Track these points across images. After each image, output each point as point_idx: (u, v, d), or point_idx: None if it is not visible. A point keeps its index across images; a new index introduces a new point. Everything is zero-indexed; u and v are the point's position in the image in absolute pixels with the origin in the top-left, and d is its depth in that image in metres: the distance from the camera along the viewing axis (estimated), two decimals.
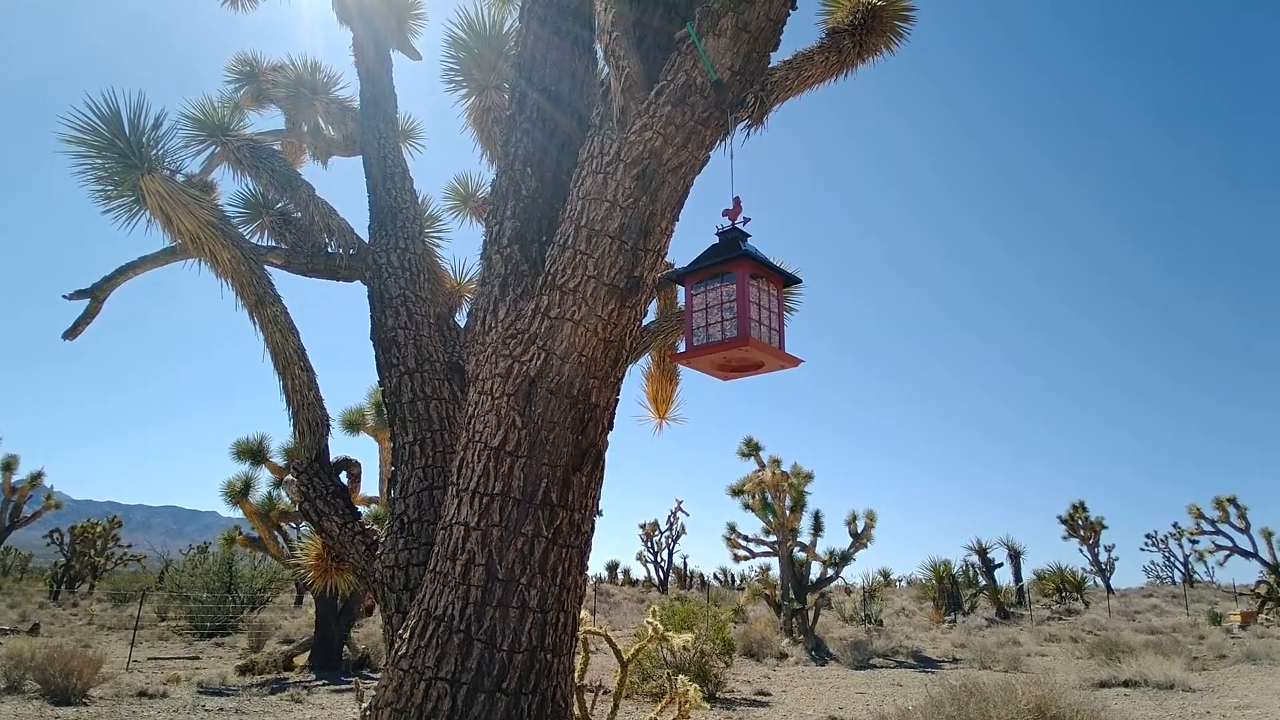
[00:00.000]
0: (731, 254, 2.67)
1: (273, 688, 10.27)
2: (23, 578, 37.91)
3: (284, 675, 11.66)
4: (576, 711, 3.78)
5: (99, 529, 35.47)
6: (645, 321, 4.63)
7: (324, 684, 10.84)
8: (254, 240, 4.55)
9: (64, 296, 5.29)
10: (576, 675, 4.02)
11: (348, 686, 8.72)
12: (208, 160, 5.04)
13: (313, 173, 6.01)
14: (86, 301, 5.29)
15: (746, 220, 2.79)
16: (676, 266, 2.94)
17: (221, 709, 8.38)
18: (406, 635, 2.69)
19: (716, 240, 2.79)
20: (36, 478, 18.34)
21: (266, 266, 4.19)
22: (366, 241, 4.18)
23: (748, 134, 3.05)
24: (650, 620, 3.86)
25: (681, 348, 2.94)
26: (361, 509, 13.61)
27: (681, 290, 3.02)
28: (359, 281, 4.33)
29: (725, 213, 2.79)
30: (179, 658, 13.91)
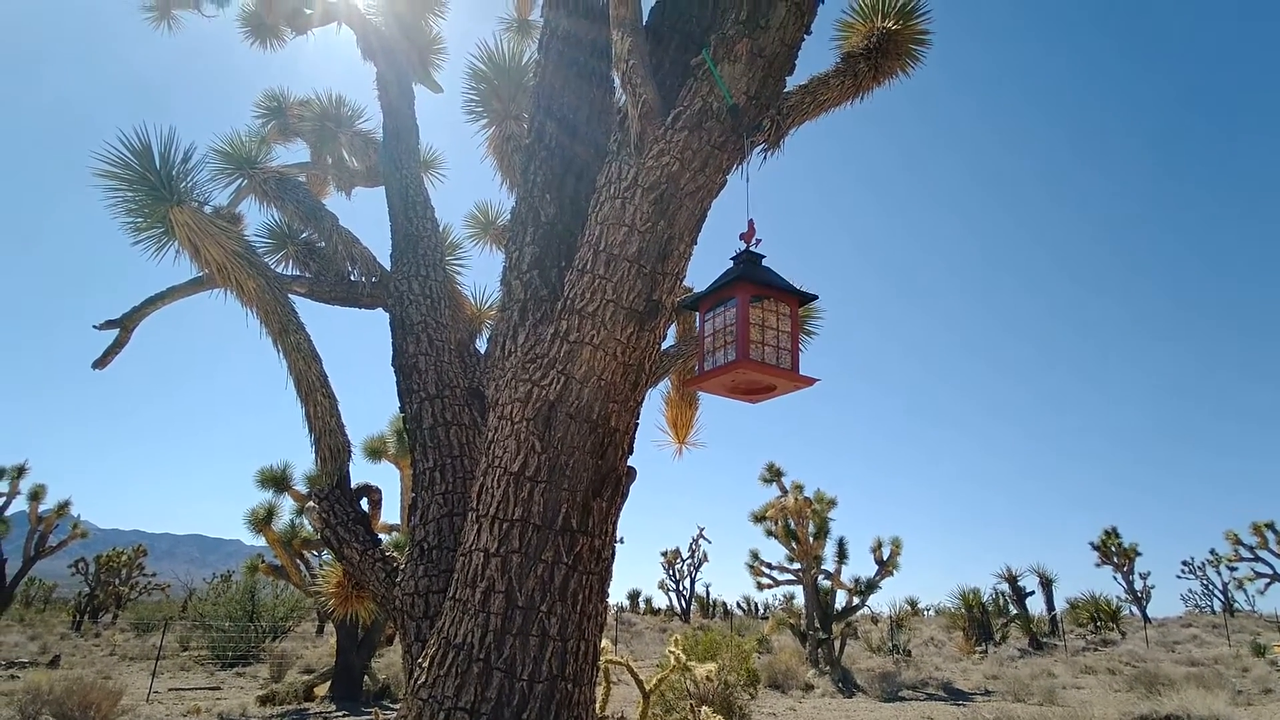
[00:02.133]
0: (732, 277, 2.68)
1: (293, 718, 10.21)
2: (45, 608, 38.29)
3: (305, 706, 11.61)
4: None
5: (124, 558, 35.83)
6: (664, 345, 4.63)
7: (344, 714, 10.77)
8: (279, 269, 4.63)
9: (94, 327, 5.40)
10: (598, 706, 3.96)
11: (368, 716, 8.65)
12: (235, 193, 5.16)
13: (336, 203, 6.12)
14: (116, 331, 5.41)
15: (758, 242, 2.78)
16: (695, 290, 2.94)
17: None
18: (426, 664, 2.66)
19: (731, 264, 2.79)
20: (64, 507, 18.57)
21: (290, 295, 4.26)
22: (388, 269, 4.24)
23: (764, 158, 3.06)
24: (673, 650, 3.79)
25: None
26: (383, 536, 13.62)
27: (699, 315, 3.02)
28: (381, 309, 4.38)
29: (740, 236, 2.79)
30: (200, 688, 13.91)
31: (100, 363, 5.42)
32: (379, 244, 4.85)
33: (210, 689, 13.85)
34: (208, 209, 4.36)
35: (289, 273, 4.62)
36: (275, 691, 12.12)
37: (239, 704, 11.35)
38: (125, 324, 5.41)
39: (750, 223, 2.83)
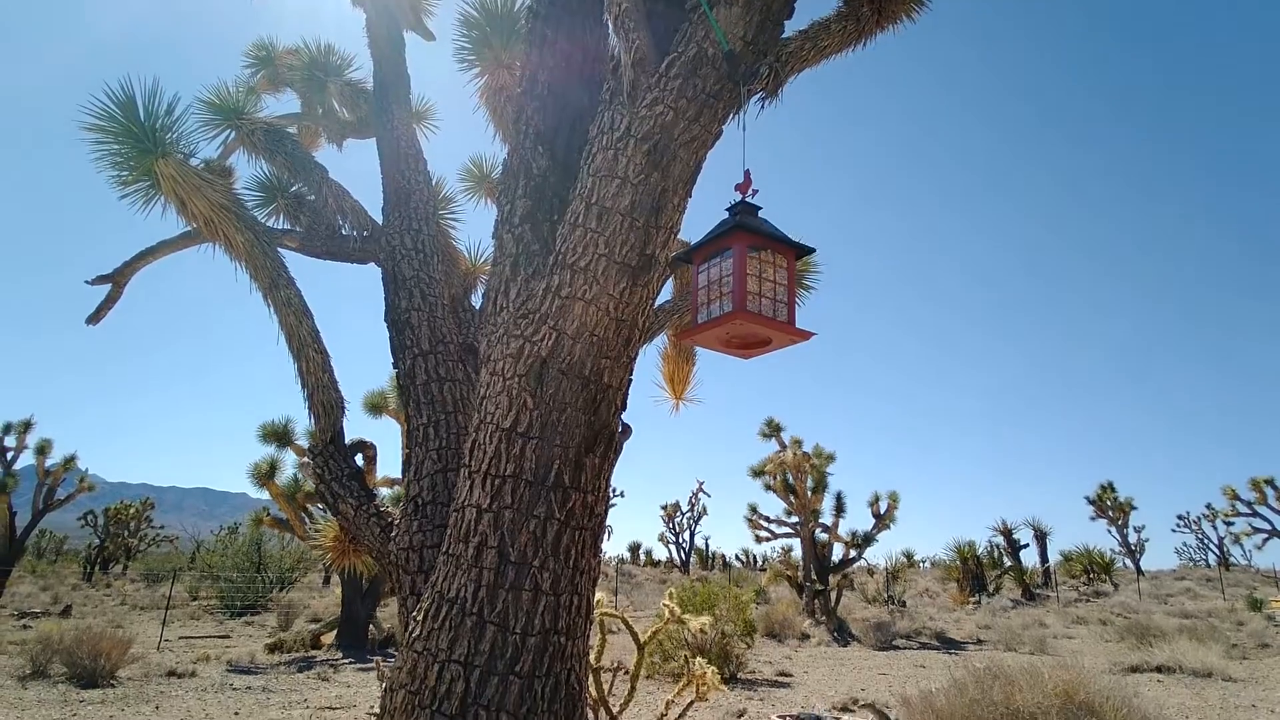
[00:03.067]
0: (728, 227, 2.61)
1: (300, 666, 10.46)
2: (57, 560, 39.03)
3: (312, 654, 11.88)
4: (593, 692, 3.78)
5: (132, 510, 36.39)
6: (660, 301, 4.58)
7: (350, 662, 11.04)
8: (269, 223, 4.56)
9: (86, 282, 5.36)
10: (593, 657, 4.02)
11: (373, 665, 8.86)
12: (224, 145, 5.05)
13: (328, 156, 5.99)
14: (109, 287, 5.36)
15: (755, 193, 2.71)
16: (693, 244, 2.87)
17: (249, 687, 8.55)
18: (420, 617, 2.68)
19: (726, 215, 2.72)
20: (70, 461, 18.75)
21: (281, 249, 4.20)
22: (380, 223, 4.17)
23: (761, 107, 2.97)
24: (667, 604, 3.84)
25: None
26: (384, 490, 13.78)
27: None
28: (373, 264, 4.32)
29: (736, 187, 2.72)
30: (210, 636, 14.24)
31: (93, 318, 5.39)
32: (371, 198, 4.77)
33: (219, 637, 14.18)
34: (196, 162, 4.27)
35: (280, 226, 4.54)
36: (283, 640, 12.40)
37: (248, 652, 11.63)
38: (117, 279, 5.36)
39: (746, 173, 2.76)
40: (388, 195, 4.16)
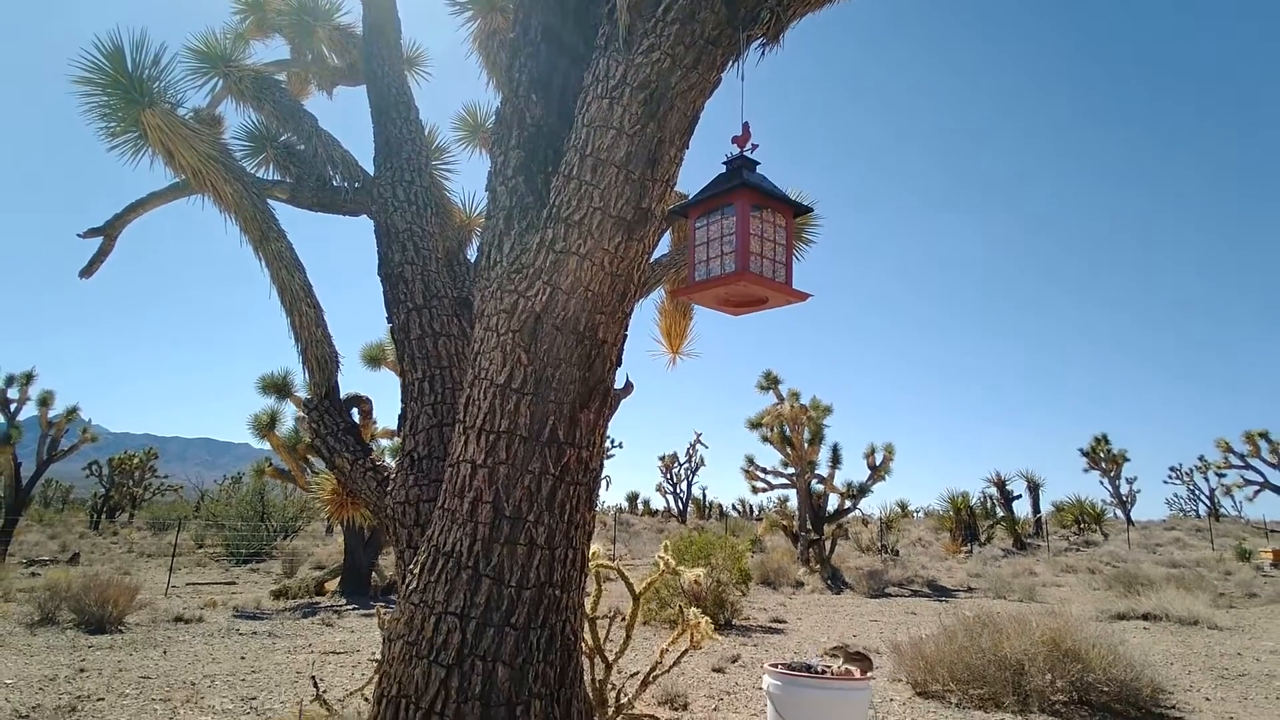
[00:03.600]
0: (732, 183, 2.54)
1: (305, 612, 10.70)
2: (64, 509, 39.57)
3: (316, 600, 12.14)
4: (589, 641, 3.86)
5: (136, 460, 36.76)
6: (657, 255, 4.52)
7: (354, 608, 11.28)
8: (259, 174, 4.47)
9: (78, 235, 5.29)
10: (589, 607, 4.10)
11: (375, 611, 9.09)
12: (212, 94, 4.93)
13: (319, 104, 5.84)
14: (100, 240, 5.30)
15: (755, 147, 2.64)
16: (687, 197, 2.81)
17: (255, 632, 8.76)
18: (417, 570, 2.72)
19: (723, 169, 2.66)
20: (72, 412, 18.84)
21: (271, 201, 4.12)
22: (371, 175, 4.09)
23: (762, 54, 2.87)
24: (662, 555, 3.90)
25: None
26: (384, 441, 13.85)
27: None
28: (365, 216, 4.25)
29: (734, 140, 2.65)
30: (216, 583, 14.53)
31: (86, 271, 5.34)
32: (362, 148, 4.66)
33: (225, 584, 14.47)
34: (184, 112, 4.17)
35: (269, 177, 4.45)
36: (287, 587, 12.65)
37: (253, 598, 11.87)
38: (108, 232, 5.29)
39: (745, 126, 2.69)
40: (379, 145, 4.07)
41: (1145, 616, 10.54)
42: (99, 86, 3.89)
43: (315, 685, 4.81)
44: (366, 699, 4.72)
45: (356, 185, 4.21)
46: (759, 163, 2.65)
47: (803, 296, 2.65)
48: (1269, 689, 6.51)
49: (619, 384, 2.98)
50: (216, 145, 3.84)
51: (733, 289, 2.53)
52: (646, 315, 5.60)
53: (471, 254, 4.71)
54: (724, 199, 2.58)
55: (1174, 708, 5.66)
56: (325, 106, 7.17)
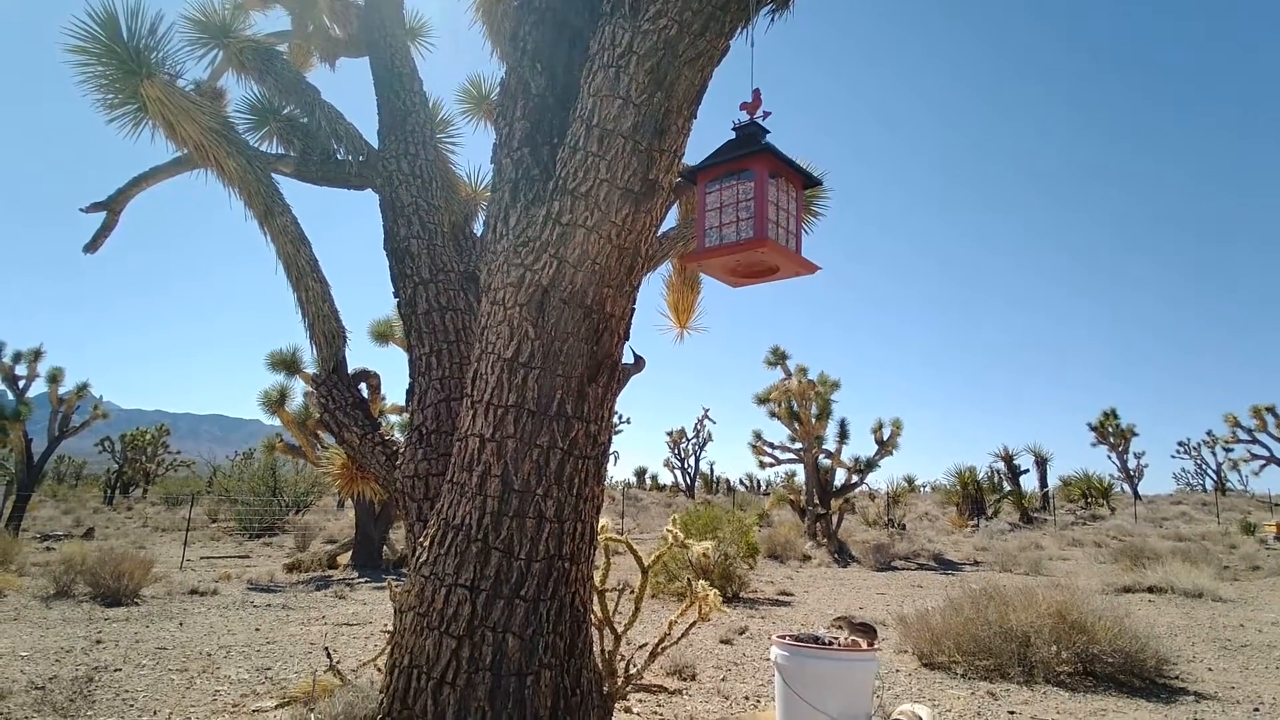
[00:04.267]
0: (751, 148, 2.48)
1: (318, 584, 10.83)
2: (77, 484, 40.04)
3: (328, 573, 12.29)
4: (599, 613, 3.89)
5: (148, 436, 37.11)
6: (664, 228, 4.48)
7: (366, 581, 11.41)
8: (262, 148, 4.43)
9: (81, 210, 5.28)
10: (598, 580, 4.12)
11: (387, 584, 9.20)
12: (213, 66, 4.87)
13: (322, 77, 5.77)
14: (104, 215, 5.28)
15: (767, 115, 2.59)
16: (698, 163, 2.76)
17: (270, 604, 8.88)
18: (427, 543, 2.73)
19: (733, 136, 2.61)
20: (83, 388, 18.97)
21: (276, 175, 4.10)
22: (376, 148, 4.05)
23: (772, 20, 2.81)
24: (670, 529, 3.91)
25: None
26: (394, 417, 13.91)
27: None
28: (371, 190, 4.22)
29: (743, 106, 2.60)
30: (230, 557, 14.71)
31: (91, 246, 5.33)
32: (365, 121, 4.62)
33: (239, 558, 14.66)
34: (185, 84, 4.13)
35: (272, 151, 4.42)
36: (300, 560, 12.80)
37: (267, 571, 12.03)
38: (112, 206, 5.27)
39: (756, 93, 2.64)
40: (383, 118, 4.03)
41: (1150, 589, 10.57)
42: (94, 56, 3.84)
43: (329, 656, 4.88)
44: (379, 669, 4.78)
45: (361, 159, 4.18)
46: (769, 131, 2.61)
47: (813, 268, 2.62)
48: (1270, 659, 6.54)
49: (629, 359, 2.97)
50: (219, 118, 3.81)
51: (745, 257, 2.49)
52: (654, 289, 5.57)
53: (478, 228, 4.68)
54: (742, 163, 2.52)
55: (1177, 678, 5.69)
56: (328, 79, 7.08)
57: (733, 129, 2.61)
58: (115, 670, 5.45)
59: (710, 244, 2.55)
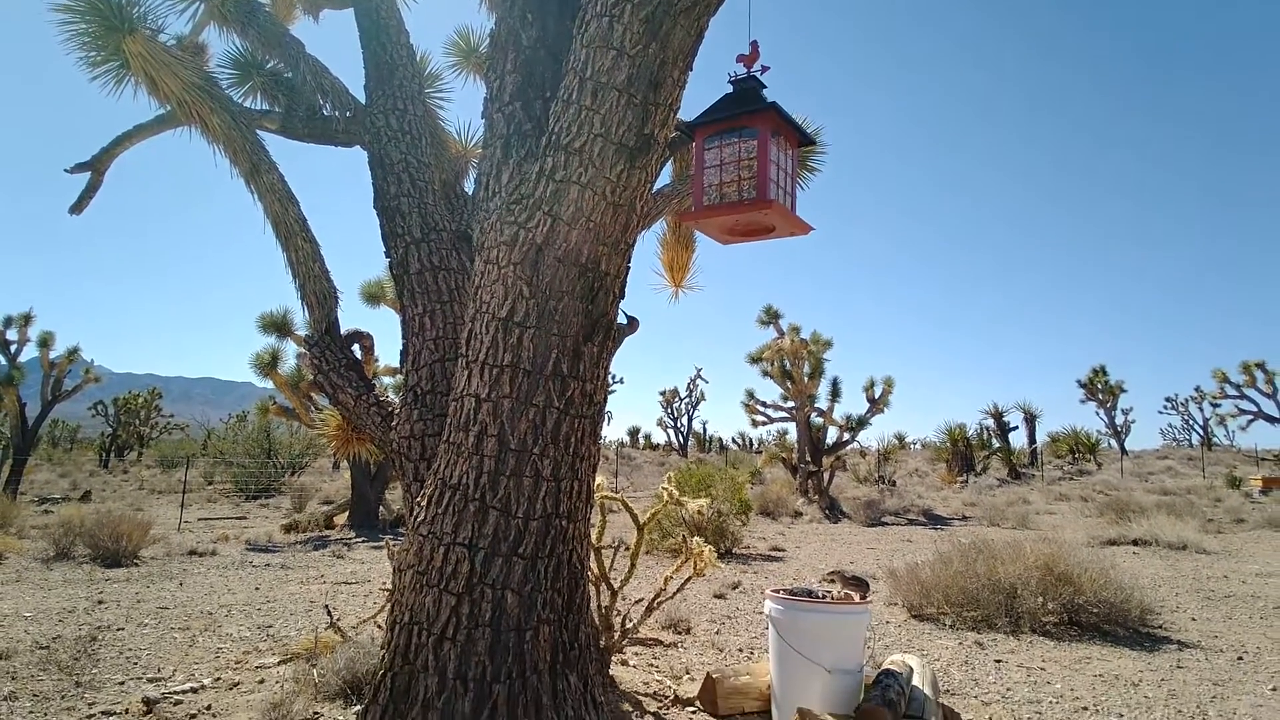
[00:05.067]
0: (756, 105, 2.42)
1: (315, 544, 10.94)
2: (72, 448, 40.05)
3: (325, 533, 12.40)
4: (595, 569, 3.95)
5: (141, 400, 37.04)
6: (659, 184, 4.42)
7: (362, 540, 11.53)
8: (246, 104, 4.33)
9: (65, 170, 5.18)
10: (595, 537, 4.17)
11: (384, 544, 9.29)
12: (194, 20, 4.73)
13: (306, 31, 5.61)
14: (89, 175, 5.18)
15: (765, 69, 2.53)
16: (694, 118, 2.70)
17: (268, 564, 8.97)
18: (424, 503, 2.75)
19: (730, 90, 2.55)
20: (74, 352, 18.84)
21: (261, 132, 4.01)
22: (363, 103, 3.96)
23: None
24: (666, 487, 3.95)
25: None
26: (387, 379, 13.89)
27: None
28: (359, 146, 4.14)
29: (740, 59, 2.54)
30: (227, 518, 14.82)
31: (76, 207, 5.24)
32: (351, 77, 4.50)
33: (236, 519, 14.76)
34: (166, 39, 4.01)
35: (256, 107, 4.31)
36: (297, 521, 12.90)
37: (264, 532, 12.13)
38: (96, 166, 5.17)
39: (754, 45, 2.58)
40: (369, 71, 3.93)
41: (1135, 542, 10.78)
42: (78, 14, 3.75)
43: (329, 613, 4.95)
44: (379, 626, 4.86)
45: (348, 114, 4.09)
46: (765, 85, 2.56)
47: (807, 228, 2.60)
48: (1252, 608, 6.71)
49: (624, 320, 2.95)
50: (201, 73, 3.71)
51: (744, 217, 2.45)
52: (647, 248, 5.53)
53: (469, 186, 4.61)
54: (745, 120, 2.45)
55: (1161, 627, 5.83)
56: (312, 32, 6.89)
57: (729, 82, 2.55)
58: (118, 629, 5.52)
59: (710, 202, 2.51)
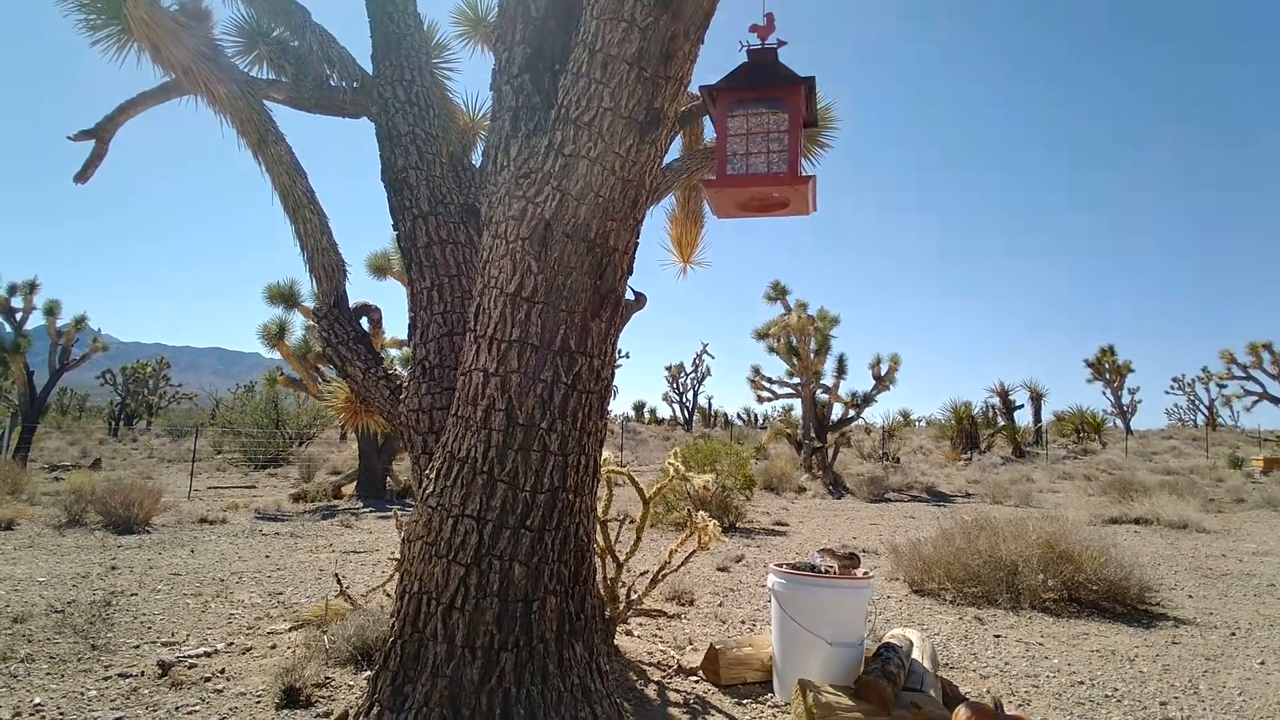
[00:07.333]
0: (790, 77, 2.36)
1: (324, 514, 11.07)
2: (81, 416, 40.40)
3: (334, 503, 12.54)
4: (601, 543, 4.00)
5: (149, 369, 37.31)
6: (668, 159, 4.39)
7: (370, 510, 11.66)
8: (252, 73, 4.29)
9: (68, 138, 5.15)
10: (601, 511, 4.22)
11: (391, 514, 9.38)
12: None
13: (313, 1, 5.55)
14: (93, 143, 5.16)
15: (782, 44, 2.49)
16: (717, 82, 2.64)
17: (278, 533, 9.09)
18: (433, 475, 2.77)
19: (746, 61, 2.51)
20: (80, 321, 18.89)
21: (268, 102, 3.98)
22: (370, 74, 3.92)
23: None
24: (672, 462, 3.97)
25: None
26: (394, 351, 13.93)
27: (709, 121, 2.78)
28: (366, 118, 4.11)
29: (754, 28, 2.50)
30: (236, 487, 14.98)
31: (81, 176, 5.22)
32: (357, 47, 4.46)
33: (246, 488, 14.93)
34: (169, 4, 3.97)
35: (264, 76, 4.28)
36: (306, 490, 13.05)
37: (273, 501, 12.27)
38: (100, 134, 5.14)
39: (769, 16, 2.54)
40: (376, 41, 3.88)
41: (1137, 521, 10.83)
42: None
43: (339, 581, 5.03)
44: (388, 594, 4.94)
45: (355, 85, 4.05)
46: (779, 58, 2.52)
47: (813, 207, 2.58)
48: (1248, 586, 6.76)
49: (631, 296, 2.95)
50: (206, 41, 3.67)
51: (761, 190, 2.42)
52: (656, 223, 5.51)
53: (476, 159, 4.58)
54: (775, 91, 2.40)
55: (1158, 604, 5.88)
56: (317, 1, 6.81)
57: (746, 51, 2.50)
58: (131, 595, 5.62)
59: (735, 172, 2.45)
